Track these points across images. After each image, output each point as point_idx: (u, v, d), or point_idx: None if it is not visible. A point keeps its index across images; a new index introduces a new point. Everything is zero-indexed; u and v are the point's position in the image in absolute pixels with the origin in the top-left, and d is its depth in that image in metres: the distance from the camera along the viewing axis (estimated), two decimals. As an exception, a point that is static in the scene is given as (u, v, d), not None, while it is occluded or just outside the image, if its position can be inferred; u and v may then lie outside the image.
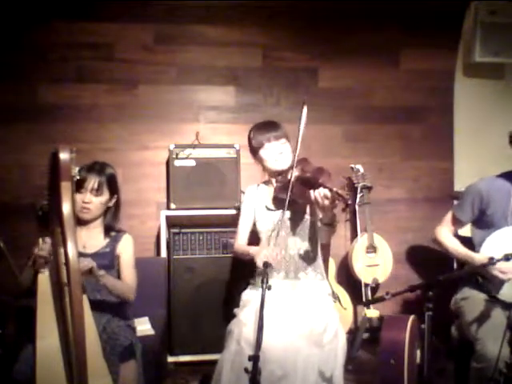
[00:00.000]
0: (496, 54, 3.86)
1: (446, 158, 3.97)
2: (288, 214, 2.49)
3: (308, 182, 2.29)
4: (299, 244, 2.52)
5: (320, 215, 2.41)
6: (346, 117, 3.85)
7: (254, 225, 2.61)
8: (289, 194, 2.30)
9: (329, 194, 2.18)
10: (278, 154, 2.48)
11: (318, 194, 2.21)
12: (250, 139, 2.56)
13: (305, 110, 2.34)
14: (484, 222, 2.58)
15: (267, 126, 2.53)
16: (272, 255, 2.28)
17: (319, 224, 2.47)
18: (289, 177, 2.35)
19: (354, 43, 3.83)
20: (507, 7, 3.79)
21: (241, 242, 2.63)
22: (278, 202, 2.46)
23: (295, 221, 2.51)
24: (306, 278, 2.52)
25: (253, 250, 2.47)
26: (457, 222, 2.67)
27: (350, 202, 2.11)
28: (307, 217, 2.51)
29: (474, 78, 4.02)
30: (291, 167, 2.40)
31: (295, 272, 2.51)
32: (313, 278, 2.53)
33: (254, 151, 2.54)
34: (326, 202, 2.21)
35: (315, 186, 2.24)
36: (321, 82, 3.84)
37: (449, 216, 2.69)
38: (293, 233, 2.51)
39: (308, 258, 2.52)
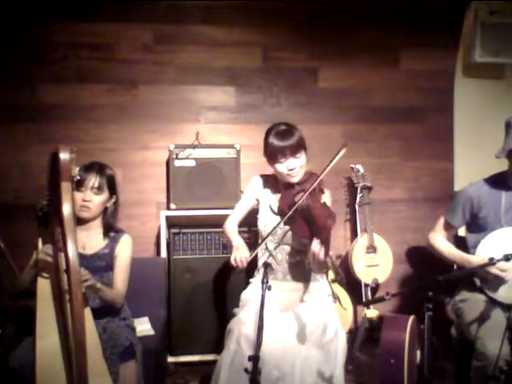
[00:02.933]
0: (496, 53, 3.86)
1: (445, 158, 3.97)
2: (286, 231, 2.45)
3: (310, 221, 2.25)
4: (297, 262, 2.49)
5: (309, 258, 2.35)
6: (346, 117, 3.85)
7: (256, 217, 2.60)
8: (291, 217, 2.29)
9: (322, 258, 2.14)
10: (291, 170, 2.42)
11: (313, 250, 2.17)
12: (266, 144, 2.47)
13: (342, 151, 2.31)
14: (477, 225, 2.60)
15: (285, 136, 2.41)
16: (243, 258, 2.30)
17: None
18: (296, 198, 2.32)
19: (353, 43, 3.82)
20: (507, 7, 3.79)
21: (232, 220, 2.62)
22: (282, 214, 2.42)
23: (294, 238, 2.47)
24: (303, 281, 2.52)
25: (235, 241, 2.47)
26: (449, 228, 2.70)
27: (339, 279, 2.06)
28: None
29: (473, 78, 4.01)
30: (303, 184, 2.37)
31: (292, 279, 2.52)
32: (311, 280, 2.53)
33: (268, 159, 2.48)
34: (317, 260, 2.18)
35: (314, 232, 2.21)
36: (321, 82, 3.84)
37: (441, 222, 2.71)
38: (291, 250, 2.48)
39: (305, 273, 2.51)
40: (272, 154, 2.43)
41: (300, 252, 2.48)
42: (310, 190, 2.32)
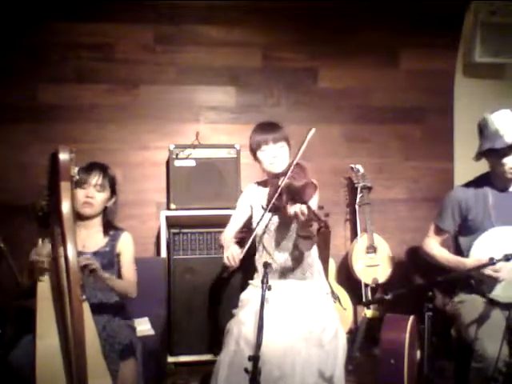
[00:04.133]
0: (496, 53, 3.86)
1: (445, 158, 3.97)
2: (276, 221, 2.49)
3: (292, 193, 2.31)
4: (295, 257, 2.51)
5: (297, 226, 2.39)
6: (346, 117, 3.85)
7: (251, 222, 2.61)
8: (274, 199, 2.33)
9: (305, 211, 2.19)
10: (274, 157, 2.48)
11: (296, 208, 2.21)
12: (250, 139, 2.57)
13: (311, 133, 2.41)
14: (468, 227, 2.62)
15: (267, 128, 2.53)
16: (235, 255, 2.32)
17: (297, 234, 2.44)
18: (279, 182, 2.37)
19: (353, 43, 3.83)
20: (507, 7, 3.79)
21: (229, 232, 2.62)
22: (269, 205, 2.45)
23: (281, 233, 2.50)
24: (302, 278, 2.52)
25: (226, 244, 2.48)
26: (440, 232, 2.70)
27: (323, 225, 2.11)
28: (292, 229, 2.49)
29: (473, 78, 4.01)
30: (285, 172, 2.40)
31: (291, 277, 2.52)
32: (310, 277, 2.52)
33: (253, 151, 2.55)
34: (302, 218, 2.20)
35: (296, 199, 2.26)
36: (321, 82, 3.84)
37: (432, 227, 2.72)
38: (278, 245, 2.51)
39: (303, 268, 2.52)
40: (256, 144, 2.51)
41: (297, 247, 2.49)
42: (291, 169, 2.38)
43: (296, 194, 2.29)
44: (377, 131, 3.91)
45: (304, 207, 2.19)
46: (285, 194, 2.34)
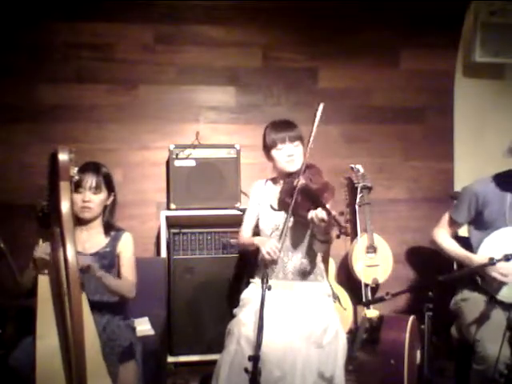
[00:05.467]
0: (496, 54, 3.87)
1: (446, 158, 3.97)
2: (291, 222, 2.48)
3: (310, 197, 2.28)
4: (299, 259, 2.52)
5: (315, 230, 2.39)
6: (346, 117, 3.85)
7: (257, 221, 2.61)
8: (293, 201, 2.29)
9: (326, 217, 2.17)
10: (290, 156, 2.47)
11: (316, 214, 2.20)
12: (264, 135, 2.56)
13: (320, 108, 2.39)
14: (481, 222, 2.59)
15: (284, 126, 2.52)
16: (274, 248, 2.31)
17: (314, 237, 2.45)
18: (295, 183, 2.34)
19: (353, 43, 3.82)
20: (507, 7, 3.79)
21: (245, 233, 2.64)
22: (282, 205, 2.45)
23: (297, 235, 2.51)
24: (305, 280, 2.53)
25: (257, 240, 2.50)
26: (454, 224, 2.68)
27: (343, 231, 2.09)
28: (308, 232, 2.49)
29: (473, 79, 4.01)
30: (300, 172, 2.39)
31: (293, 278, 2.53)
32: (313, 279, 2.53)
33: (267, 149, 2.54)
34: (322, 224, 2.20)
35: (316, 203, 2.23)
36: (321, 81, 3.84)
37: (446, 218, 2.71)
38: (294, 248, 2.52)
39: (306, 271, 2.53)
40: (271, 142, 2.50)
41: (310, 249, 2.50)
42: (304, 165, 2.38)
43: (313, 197, 2.26)
44: (377, 131, 3.90)
45: (324, 213, 2.17)
46: (301, 196, 2.31)
